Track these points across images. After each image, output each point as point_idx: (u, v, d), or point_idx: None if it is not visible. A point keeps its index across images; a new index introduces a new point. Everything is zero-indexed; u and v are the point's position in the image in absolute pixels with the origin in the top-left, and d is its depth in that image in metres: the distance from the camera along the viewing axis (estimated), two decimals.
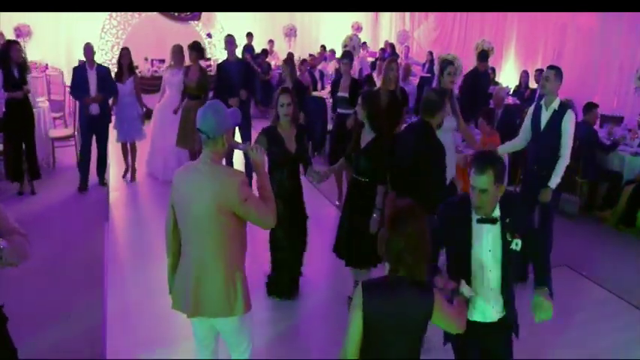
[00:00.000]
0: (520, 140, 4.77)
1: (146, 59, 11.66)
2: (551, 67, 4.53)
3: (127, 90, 6.88)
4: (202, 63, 7.00)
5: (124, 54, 6.89)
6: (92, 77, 6.54)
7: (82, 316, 4.11)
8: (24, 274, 4.67)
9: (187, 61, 6.84)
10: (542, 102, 4.52)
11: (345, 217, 4.14)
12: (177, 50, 6.93)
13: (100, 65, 6.73)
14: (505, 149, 4.92)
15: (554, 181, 4.42)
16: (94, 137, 6.77)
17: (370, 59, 13.43)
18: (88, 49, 6.53)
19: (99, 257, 5.05)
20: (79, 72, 6.57)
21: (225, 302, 2.65)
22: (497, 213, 2.49)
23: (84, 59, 6.66)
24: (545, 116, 4.47)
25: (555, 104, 4.42)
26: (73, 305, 4.24)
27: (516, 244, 2.49)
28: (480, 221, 2.49)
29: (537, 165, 4.56)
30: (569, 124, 4.35)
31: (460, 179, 5.46)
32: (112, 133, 7.00)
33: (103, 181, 7.00)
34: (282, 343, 3.88)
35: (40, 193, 6.63)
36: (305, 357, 3.71)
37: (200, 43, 7.00)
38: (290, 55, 7.68)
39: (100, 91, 6.55)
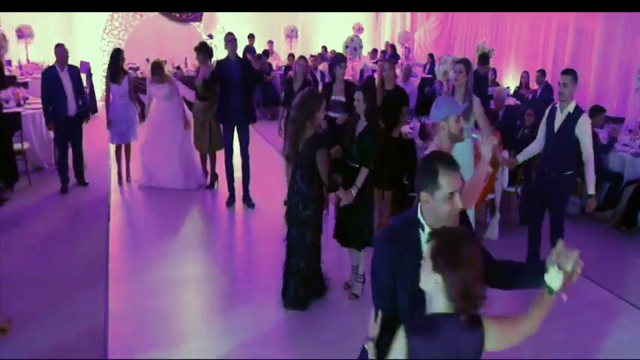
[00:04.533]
0: (538, 144, 4.69)
1: (147, 60, 11.67)
2: (567, 72, 4.41)
3: (124, 91, 6.84)
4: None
5: (121, 56, 6.82)
6: (66, 78, 6.52)
7: (84, 316, 4.11)
8: (25, 274, 4.70)
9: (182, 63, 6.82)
10: (558, 104, 4.49)
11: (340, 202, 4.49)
12: (158, 67, 6.75)
13: (70, 66, 6.66)
14: (524, 156, 4.85)
15: (591, 188, 4.40)
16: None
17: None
18: (63, 50, 6.49)
19: (100, 257, 5.06)
20: (51, 75, 6.49)
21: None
22: None
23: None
24: (559, 118, 4.42)
25: (571, 107, 4.37)
26: (75, 305, 4.24)
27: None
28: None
29: (547, 166, 4.54)
30: (585, 128, 4.32)
31: None
32: (106, 135, 6.97)
33: (82, 181, 6.97)
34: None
35: (41, 193, 6.65)
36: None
37: (207, 44, 6.93)
38: (302, 56, 7.63)
39: (74, 92, 6.55)
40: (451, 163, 2.02)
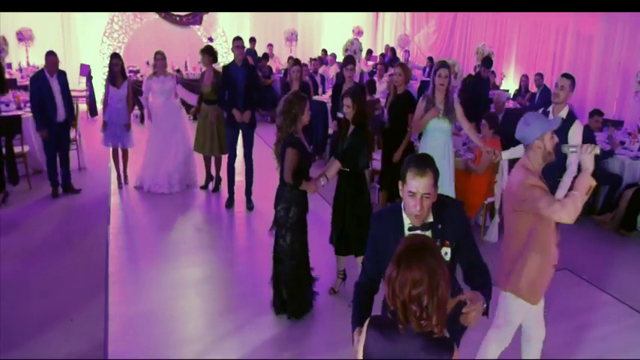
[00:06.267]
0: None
1: (147, 63, 11.69)
2: (566, 76, 4.39)
3: (122, 95, 6.84)
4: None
5: (115, 62, 6.80)
6: (55, 85, 6.48)
7: (84, 319, 4.11)
8: (26, 277, 4.71)
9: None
10: (550, 109, 4.47)
11: (335, 207, 4.43)
12: (162, 57, 6.81)
13: (59, 71, 6.59)
14: (509, 155, 4.88)
15: (560, 193, 4.31)
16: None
17: (371, 63, 13.49)
18: (54, 58, 6.43)
19: (100, 261, 5.07)
20: (41, 80, 6.40)
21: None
22: (430, 218, 2.31)
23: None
24: None
25: (563, 113, 4.34)
26: (75, 308, 4.24)
27: (445, 254, 2.28)
28: (412, 229, 2.28)
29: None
30: (576, 136, 4.25)
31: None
32: (99, 138, 6.96)
33: (72, 189, 6.85)
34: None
35: (41, 197, 6.66)
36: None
37: (213, 47, 6.93)
38: (297, 60, 7.65)
39: (63, 98, 6.51)
40: (421, 167, 2.17)
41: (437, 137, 4.97)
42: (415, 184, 2.16)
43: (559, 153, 4.21)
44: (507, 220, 3.07)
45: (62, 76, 6.62)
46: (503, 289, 3.05)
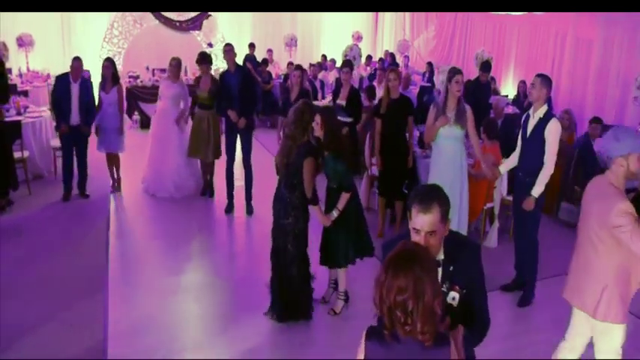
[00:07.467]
0: (518, 152, 4.73)
1: (147, 68, 11.73)
2: (537, 75, 4.49)
3: (111, 100, 6.82)
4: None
5: (106, 65, 6.83)
6: (75, 90, 6.53)
7: (83, 325, 4.11)
8: (25, 282, 4.70)
9: (186, 73, 6.79)
10: (531, 110, 4.54)
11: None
12: (176, 64, 6.89)
13: (84, 79, 6.67)
14: (506, 168, 4.87)
15: (537, 189, 4.35)
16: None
17: (370, 68, 13.53)
18: (78, 64, 6.51)
19: (100, 266, 5.06)
20: (63, 83, 6.54)
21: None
22: (440, 256, 2.10)
23: (87, 69, 6.65)
24: (531, 123, 4.45)
25: (541, 112, 4.38)
26: (74, 314, 4.24)
27: (453, 298, 2.07)
28: None
29: (521, 171, 4.56)
30: (551, 133, 4.29)
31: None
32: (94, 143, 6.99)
33: (83, 193, 6.89)
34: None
35: (41, 202, 6.66)
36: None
37: (206, 53, 6.95)
38: (299, 65, 7.67)
39: (81, 105, 6.55)
40: (425, 202, 1.97)
41: (449, 145, 4.93)
42: (419, 222, 1.97)
43: (536, 151, 4.34)
44: (592, 242, 2.93)
45: (84, 83, 6.68)
46: (614, 322, 3.01)
